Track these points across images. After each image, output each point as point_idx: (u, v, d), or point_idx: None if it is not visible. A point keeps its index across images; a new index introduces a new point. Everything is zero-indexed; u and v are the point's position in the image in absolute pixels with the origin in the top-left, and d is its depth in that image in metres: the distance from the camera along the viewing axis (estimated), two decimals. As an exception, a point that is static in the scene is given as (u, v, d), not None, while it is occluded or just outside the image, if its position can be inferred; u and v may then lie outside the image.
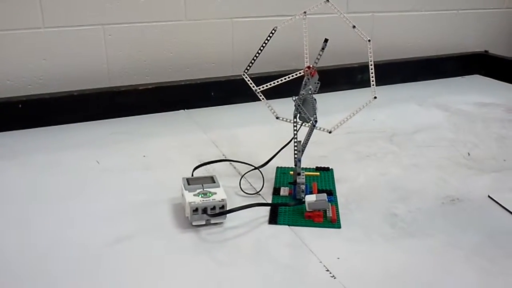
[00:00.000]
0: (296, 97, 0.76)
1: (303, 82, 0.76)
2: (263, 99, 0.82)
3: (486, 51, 1.65)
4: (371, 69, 0.77)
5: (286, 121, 0.83)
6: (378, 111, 1.20)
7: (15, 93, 1.13)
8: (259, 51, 0.79)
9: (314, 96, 0.77)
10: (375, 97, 0.77)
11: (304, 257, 0.65)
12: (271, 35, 0.78)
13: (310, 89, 0.76)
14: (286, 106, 0.82)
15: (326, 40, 0.74)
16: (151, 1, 1.23)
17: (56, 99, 1.13)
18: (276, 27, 0.78)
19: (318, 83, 0.77)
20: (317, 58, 0.75)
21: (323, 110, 0.79)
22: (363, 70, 1.40)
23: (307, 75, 0.76)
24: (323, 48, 0.74)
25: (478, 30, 1.70)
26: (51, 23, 1.14)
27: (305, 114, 0.77)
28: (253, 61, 0.80)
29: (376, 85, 0.77)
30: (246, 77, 0.81)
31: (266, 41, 0.78)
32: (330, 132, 0.80)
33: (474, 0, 1.66)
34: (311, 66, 0.76)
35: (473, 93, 1.42)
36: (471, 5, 1.66)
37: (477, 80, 1.58)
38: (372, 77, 0.77)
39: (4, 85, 1.14)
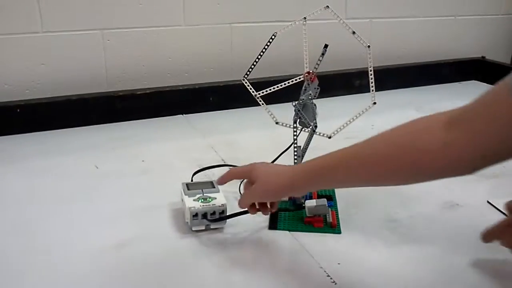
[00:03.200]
0: (296, 102, 0.76)
1: (303, 88, 0.76)
2: (262, 104, 0.81)
3: (483, 57, 1.66)
4: (371, 75, 0.77)
5: (285, 126, 0.83)
6: (376, 117, 1.20)
7: (13, 98, 1.12)
8: (259, 56, 0.79)
9: (314, 101, 0.77)
10: (375, 103, 0.77)
11: (304, 262, 0.65)
12: (271, 40, 0.78)
13: (310, 94, 0.76)
14: (286, 111, 0.82)
15: (326, 46, 0.74)
16: (150, 6, 1.23)
17: (54, 103, 1.13)
18: (276, 33, 0.78)
19: (318, 89, 0.77)
20: (317, 63, 0.75)
21: (323, 115, 0.79)
22: (361, 76, 1.41)
23: (307, 80, 0.76)
24: (323, 54, 0.75)
25: (475, 36, 1.71)
26: (49, 28, 1.14)
27: (305, 119, 0.77)
28: (253, 66, 0.80)
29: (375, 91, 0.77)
30: (246, 82, 0.81)
31: (266, 47, 0.78)
32: (330, 137, 0.80)
33: (471, 6, 1.67)
34: (311, 71, 0.76)
35: (470, 98, 1.40)
36: (468, 11, 1.67)
37: (474, 86, 1.59)
38: (372, 83, 0.77)
39: (2, 89, 1.14)
